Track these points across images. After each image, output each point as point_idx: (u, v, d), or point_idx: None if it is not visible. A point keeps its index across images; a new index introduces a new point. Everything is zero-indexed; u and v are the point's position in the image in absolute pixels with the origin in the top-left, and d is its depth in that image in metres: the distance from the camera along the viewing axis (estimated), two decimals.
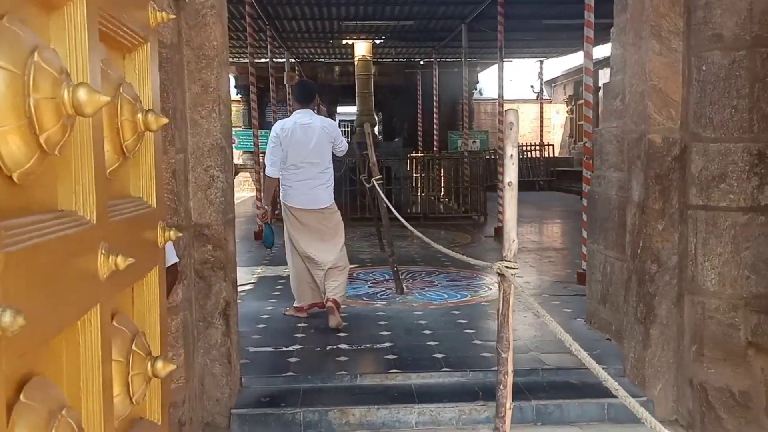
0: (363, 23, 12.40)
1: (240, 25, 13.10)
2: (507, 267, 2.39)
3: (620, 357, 3.88)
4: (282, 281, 6.48)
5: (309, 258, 4.88)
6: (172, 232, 1.69)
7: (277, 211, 5.64)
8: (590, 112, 6.22)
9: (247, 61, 18.44)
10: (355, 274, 6.89)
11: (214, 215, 3.33)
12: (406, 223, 4.83)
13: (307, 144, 4.78)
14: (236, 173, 20.01)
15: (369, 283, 6.50)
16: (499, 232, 9.71)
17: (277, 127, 4.92)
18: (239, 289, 5.99)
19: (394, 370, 3.86)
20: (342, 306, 5.04)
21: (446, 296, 5.86)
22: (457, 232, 10.35)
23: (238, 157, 20.11)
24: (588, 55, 6.06)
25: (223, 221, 3.37)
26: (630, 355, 3.71)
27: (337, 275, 4.90)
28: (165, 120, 1.46)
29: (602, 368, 1.87)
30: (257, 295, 6.03)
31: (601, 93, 18.18)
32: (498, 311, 2.42)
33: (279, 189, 5.11)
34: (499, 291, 2.44)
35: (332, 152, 4.98)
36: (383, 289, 6.19)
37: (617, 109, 4.23)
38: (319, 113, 5.24)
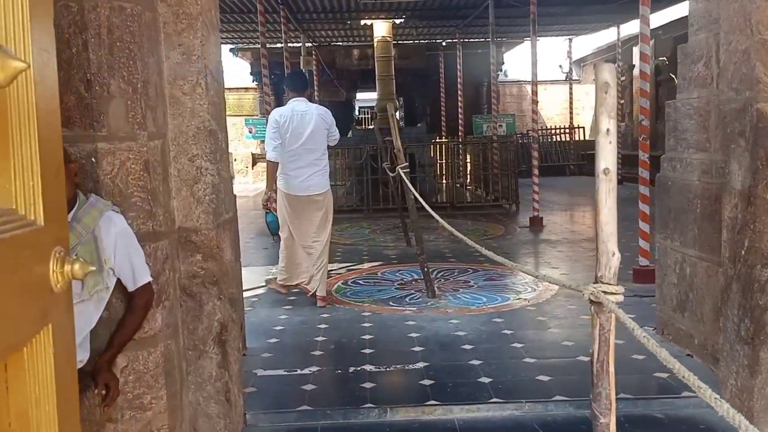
0: (383, 0, 11.59)
1: (251, 5, 12.41)
2: (606, 292, 1.65)
3: (710, 378, 3.12)
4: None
5: (303, 245, 5.06)
6: (77, 266, 1.00)
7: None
8: (647, 85, 5.40)
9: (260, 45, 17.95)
10: (380, 274, 6.20)
11: (203, 217, 2.64)
12: (435, 216, 4.19)
13: (304, 131, 4.88)
14: (254, 163, 19.44)
15: (396, 284, 5.79)
16: (534, 223, 8.93)
17: (275, 113, 5.01)
18: (250, 293, 5.38)
19: (433, 402, 3.15)
20: (367, 313, 4.83)
21: (484, 299, 5.13)
22: (489, 223, 9.58)
23: (256, 147, 19.53)
24: (645, 20, 5.24)
25: (216, 224, 2.68)
26: (730, 382, 2.95)
27: (320, 267, 5.02)
28: (20, 65, 0.76)
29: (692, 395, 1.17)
30: (270, 301, 5.35)
31: (635, 71, 17.18)
32: (592, 356, 1.68)
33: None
34: (593, 326, 1.70)
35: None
36: (412, 291, 5.47)
37: (700, 75, 3.44)
38: (311, 101, 5.27)
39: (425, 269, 5.24)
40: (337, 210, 11.19)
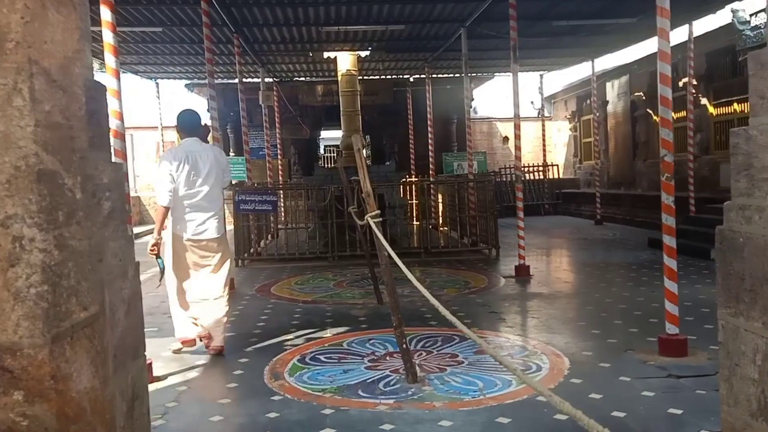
0: (347, 28, 10.69)
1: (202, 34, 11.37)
2: None
3: None
4: (246, 353, 4.62)
5: (192, 290, 4.85)
6: None
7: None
8: (669, 113, 4.44)
9: (224, 81, 16.94)
10: (346, 344, 5.04)
11: (26, 326, 1.49)
12: (410, 276, 3.17)
13: (199, 174, 4.72)
14: None
15: (366, 359, 4.64)
16: (521, 272, 7.90)
17: (168, 155, 4.78)
18: (171, 381, 4.11)
19: None
20: (328, 410, 3.69)
21: (480, 384, 4.01)
22: (469, 272, 8.52)
23: None
24: (664, 35, 4.31)
25: (52, 336, 1.53)
26: None
27: (219, 319, 4.88)
28: None
29: None
30: (200, 393, 4.14)
31: (609, 107, 16.59)
32: None
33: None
34: None
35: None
36: (387, 372, 4.32)
37: None
38: (207, 142, 5.13)
39: (404, 345, 4.12)
40: (298, 257, 10.24)
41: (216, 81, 16.88)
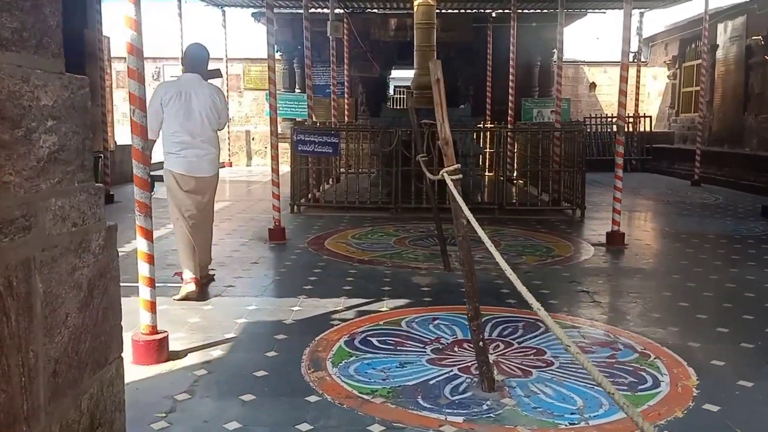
0: None
1: None
2: None
3: None
4: (285, 327, 3.79)
5: (191, 225, 4.75)
6: None
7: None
8: None
9: (291, 11, 15.89)
10: (405, 324, 4.13)
11: None
12: (489, 244, 2.25)
13: (191, 111, 4.63)
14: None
15: (429, 348, 3.72)
16: (614, 240, 6.75)
17: (161, 86, 4.74)
18: (187, 363, 3.30)
19: None
20: (377, 426, 2.91)
21: (578, 403, 3.03)
22: (549, 235, 7.42)
23: (279, 124, 17.55)
24: None
25: None
26: None
27: (207, 251, 4.96)
28: None
29: None
30: (220, 382, 3.34)
31: (719, 53, 14.65)
32: None
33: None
34: None
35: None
36: (454, 371, 3.39)
37: None
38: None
39: (480, 343, 3.16)
40: (358, 206, 9.22)
41: (283, 10, 15.99)
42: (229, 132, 16.92)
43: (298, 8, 14.84)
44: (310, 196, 9.45)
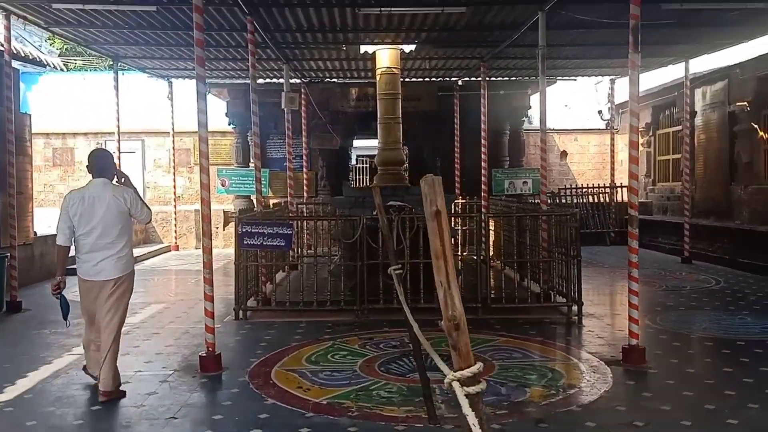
0: (390, 10, 8.35)
1: (215, 22, 9.20)
2: None
3: None
4: None
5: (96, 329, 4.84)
6: None
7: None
8: None
9: (245, 81, 14.75)
10: None
11: None
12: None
13: (94, 216, 4.72)
14: (226, 223, 16.00)
15: None
16: (631, 357, 5.44)
17: (67, 196, 4.85)
18: None
19: None
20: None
21: None
22: (549, 348, 6.10)
23: (230, 202, 16.20)
24: None
25: None
26: None
27: (106, 357, 4.73)
28: None
29: None
30: None
31: (698, 119, 13.98)
32: None
33: None
34: None
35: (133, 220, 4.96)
36: None
37: None
38: (121, 183, 5.00)
39: None
40: (316, 308, 7.27)
41: (235, 81, 14.88)
42: (176, 212, 15.46)
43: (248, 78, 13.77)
44: (259, 295, 7.98)
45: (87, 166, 4.93)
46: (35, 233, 10.71)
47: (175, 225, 15.39)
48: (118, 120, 12.33)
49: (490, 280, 8.04)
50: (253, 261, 7.97)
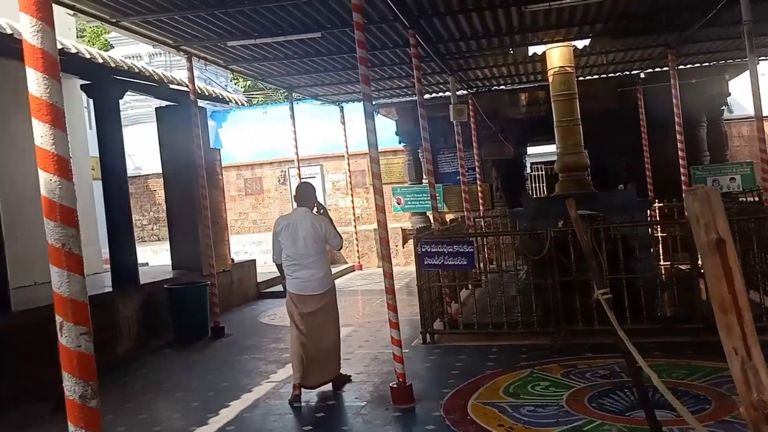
0: (561, 4, 7.68)
1: (379, 41, 9.16)
2: None
3: None
4: None
5: (303, 340, 5.53)
6: None
7: None
8: None
9: (412, 98, 14.74)
10: None
11: None
12: None
13: (297, 239, 5.54)
14: (405, 241, 16.01)
15: None
16: None
17: (276, 222, 5.79)
18: None
19: None
20: None
21: None
22: None
23: (407, 220, 16.21)
24: None
25: None
26: None
27: (335, 358, 5.64)
28: None
29: None
30: None
31: None
32: None
33: None
34: None
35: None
36: None
37: None
38: (320, 213, 5.81)
39: None
40: (506, 331, 6.70)
41: (401, 99, 14.91)
42: (356, 232, 15.76)
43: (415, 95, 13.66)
44: (445, 317, 7.65)
45: (294, 196, 5.91)
46: (233, 260, 11.40)
47: (357, 245, 15.67)
48: (296, 147, 12.79)
49: (697, 290, 6.97)
50: (436, 281, 7.67)
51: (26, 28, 2.04)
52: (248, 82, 26.04)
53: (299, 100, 14.34)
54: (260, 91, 26.09)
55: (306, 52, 9.54)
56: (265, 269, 13.93)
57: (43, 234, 2.02)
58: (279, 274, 5.85)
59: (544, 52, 9.84)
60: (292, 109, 12.68)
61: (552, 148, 17.95)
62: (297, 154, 12.83)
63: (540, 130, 14.83)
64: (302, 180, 6.58)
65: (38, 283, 8.60)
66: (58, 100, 2.06)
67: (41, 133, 2.05)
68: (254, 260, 12.38)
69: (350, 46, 9.05)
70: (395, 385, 5.13)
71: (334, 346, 5.62)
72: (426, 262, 7.06)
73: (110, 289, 8.34)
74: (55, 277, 1.98)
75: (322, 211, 5.81)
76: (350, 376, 5.85)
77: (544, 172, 20.98)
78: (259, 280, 12.06)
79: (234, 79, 24.80)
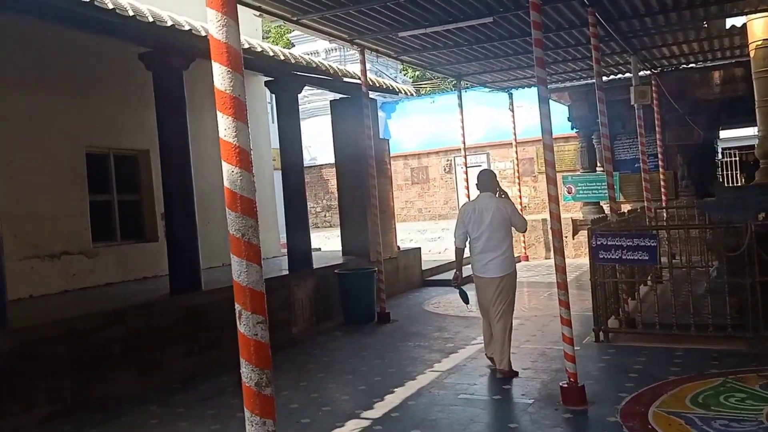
0: None
1: (554, 22, 8.73)
2: None
3: None
4: None
5: (488, 320, 5.87)
6: None
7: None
8: None
9: (587, 82, 13.92)
10: None
11: None
12: None
13: (483, 223, 5.75)
14: (575, 232, 15.26)
15: None
16: None
17: (462, 208, 6.10)
18: None
19: None
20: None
21: None
22: None
23: (578, 210, 15.45)
24: None
25: None
26: None
27: (499, 344, 5.71)
28: None
29: None
30: None
31: None
32: None
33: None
34: None
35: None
36: None
37: None
38: (501, 197, 5.99)
39: None
40: (694, 333, 6.14)
41: (576, 83, 14.14)
42: None
43: (592, 78, 12.87)
44: (621, 315, 7.14)
45: (476, 184, 6.02)
46: (398, 247, 11.61)
47: (523, 235, 15.23)
48: (463, 136, 12.66)
49: None
50: (612, 276, 7.18)
51: (212, 24, 2.13)
52: (416, 73, 26.37)
53: (467, 88, 14.17)
54: (428, 81, 26.31)
55: (476, 39, 9.38)
56: (429, 257, 14.02)
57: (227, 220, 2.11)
58: (456, 260, 6.04)
59: (744, 24, 8.79)
60: (460, 97, 12.56)
61: (749, 131, 16.09)
62: (464, 143, 12.69)
63: (735, 112, 13.38)
64: (482, 168, 6.86)
65: (225, 264, 9.40)
66: (240, 93, 2.13)
67: (224, 126, 2.13)
68: (419, 248, 12.50)
69: (522, 29, 8.74)
70: (566, 385, 4.85)
71: (502, 331, 5.67)
72: (601, 256, 6.61)
73: (287, 272, 8.86)
74: (234, 266, 2.06)
75: (503, 195, 5.96)
76: (517, 372, 5.71)
77: (738, 159, 18.88)
78: (423, 268, 12.16)
79: (403, 70, 25.23)
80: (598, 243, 6.60)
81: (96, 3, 5.73)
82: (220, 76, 2.13)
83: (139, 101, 8.48)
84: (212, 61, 2.15)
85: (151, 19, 6.36)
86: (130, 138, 8.90)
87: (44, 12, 6.02)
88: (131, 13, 6.12)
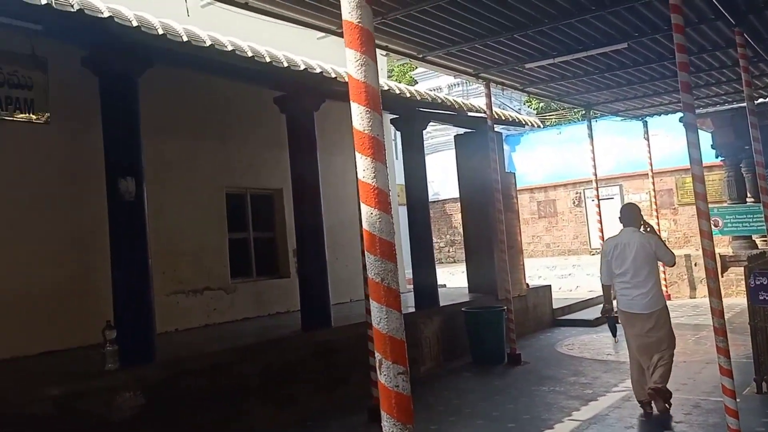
0: None
1: (696, 44, 8.16)
2: None
3: None
4: None
5: (636, 350, 5.77)
6: None
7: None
8: None
9: (732, 107, 12.88)
10: None
11: None
12: None
13: (626, 259, 5.67)
14: (724, 269, 13.99)
15: None
16: None
17: (604, 243, 6.03)
18: None
19: None
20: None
21: None
22: None
23: (727, 245, 14.20)
24: None
25: None
26: None
27: (660, 368, 5.62)
28: None
29: None
30: None
31: None
32: None
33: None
34: None
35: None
36: None
37: None
38: (647, 231, 5.86)
39: None
40: None
41: (719, 108, 13.11)
42: None
43: (740, 101, 11.87)
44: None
45: (618, 218, 5.89)
46: (527, 285, 11.19)
47: (664, 272, 14.21)
48: (595, 168, 12.09)
49: None
50: None
51: (351, 64, 2.10)
52: (541, 104, 25.83)
53: (597, 117, 13.61)
54: (553, 112, 25.67)
55: (608, 66, 8.97)
56: (560, 295, 13.37)
57: (356, 256, 2.04)
58: (603, 295, 6.01)
59: None
60: (590, 127, 12.05)
61: None
62: (595, 174, 12.11)
63: None
64: (626, 202, 6.79)
65: (353, 300, 9.47)
66: (379, 133, 2.07)
67: (363, 167, 2.07)
68: (549, 285, 11.98)
69: (659, 53, 8.26)
70: None
71: (670, 356, 5.66)
72: (761, 297, 5.92)
73: (413, 309, 8.77)
74: (374, 312, 1.97)
75: (649, 229, 5.85)
76: (671, 393, 5.70)
77: None
78: (554, 307, 11.61)
79: (527, 101, 24.83)
80: (758, 282, 5.93)
81: (237, 52, 6.08)
82: (359, 116, 2.09)
83: (274, 143, 8.88)
84: (351, 102, 2.11)
85: (286, 64, 6.65)
86: (265, 178, 9.31)
87: (193, 63, 6.48)
88: (268, 60, 6.44)
